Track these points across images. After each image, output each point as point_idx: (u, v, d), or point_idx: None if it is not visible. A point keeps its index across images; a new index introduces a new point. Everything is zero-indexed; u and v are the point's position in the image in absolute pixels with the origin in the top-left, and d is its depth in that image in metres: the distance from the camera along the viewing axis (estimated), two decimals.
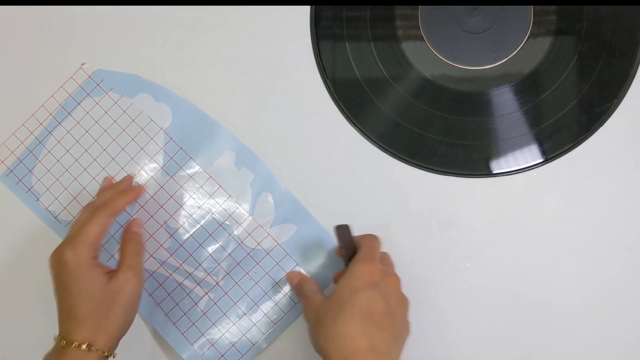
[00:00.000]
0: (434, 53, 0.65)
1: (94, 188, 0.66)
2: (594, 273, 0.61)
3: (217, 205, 0.65)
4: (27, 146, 0.67)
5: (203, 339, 0.64)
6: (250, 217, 0.65)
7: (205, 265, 0.64)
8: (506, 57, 0.64)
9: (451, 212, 0.63)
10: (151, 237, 0.65)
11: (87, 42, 0.68)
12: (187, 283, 0.65)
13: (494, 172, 0.63)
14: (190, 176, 0.65)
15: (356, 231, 0.64)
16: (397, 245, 0.63)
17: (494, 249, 0.62)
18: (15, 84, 0.68)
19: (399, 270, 0.60)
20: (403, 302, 0.57)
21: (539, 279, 0.62)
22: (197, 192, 0.65)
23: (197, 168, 0.65)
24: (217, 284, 0.64)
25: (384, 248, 0.63)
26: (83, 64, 0.67)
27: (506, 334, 0.62)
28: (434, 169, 0.64)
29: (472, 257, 0.62)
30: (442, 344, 0.62)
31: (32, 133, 0.67)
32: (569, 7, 0.64)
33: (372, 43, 0.66)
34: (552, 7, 0.64)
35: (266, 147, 0.65)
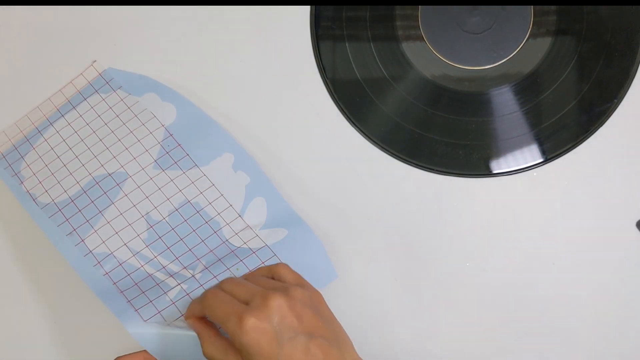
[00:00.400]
0: (434, 53, 0.65)
1: (82, 174, 0.64)
2: (594, 273, 0.61)
3: (206, 201, 0.63)
4: (26, 135, 0.66)
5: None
6: (240, 218, 0.62)
7: (182, 259, 0.61)
8: (506, 57, 0.64)
9: (451, 212, 0.63)
10: (129, 226, 0.62)
11: (101, 41, 0.68)
12: (159, 275, 0.60)
13: (494, 172, 0.63)
14: (184, 172, 0.64)
15: (356, 231, 0.64)
16: (396, 245, 0.63)
17: (494, 249, 0.62)
18: (26, 79, 0.68)
19: (398, 270, 0.59)
20: None
21: (539, 279, 0.62)
22: (187, 188, 0.63)
23: (192, 165, 0.64)
24: (192, 276, 0.60)
25: (385, 248, 0.63)
26: (94, 61, 0.67)
27: (506, 333, 0.61)
28: (434, 169, 0.64)
29: (472, 257, 0.62)
30: (441, 343, 0.62)
31: (33, 123, 0.67)
32: (569, 7, 0.64)
33: (372, 43, 0.66)
34: (552, 7, 0.64)
35: (265, 146, 0.65)
